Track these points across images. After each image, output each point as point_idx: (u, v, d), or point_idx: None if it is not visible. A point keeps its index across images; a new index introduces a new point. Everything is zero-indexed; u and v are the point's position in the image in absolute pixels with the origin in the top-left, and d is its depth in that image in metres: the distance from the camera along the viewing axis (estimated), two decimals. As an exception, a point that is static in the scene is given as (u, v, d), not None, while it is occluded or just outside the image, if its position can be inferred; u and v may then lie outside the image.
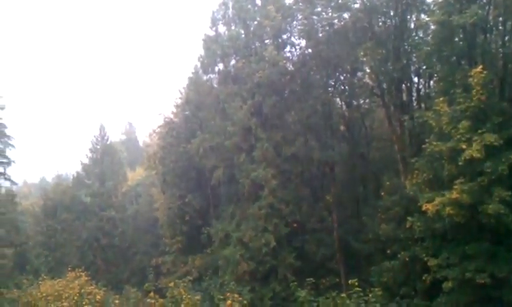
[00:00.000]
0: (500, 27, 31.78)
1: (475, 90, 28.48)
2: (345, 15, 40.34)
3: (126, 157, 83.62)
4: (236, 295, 34.67)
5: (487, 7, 30.89)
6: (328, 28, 41.86)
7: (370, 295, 26.92)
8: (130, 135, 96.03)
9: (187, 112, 51.00)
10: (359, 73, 44.67)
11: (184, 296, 35.13)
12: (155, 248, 53.74)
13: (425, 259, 30.48)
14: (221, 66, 46.87)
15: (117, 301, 37.71)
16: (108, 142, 63.25)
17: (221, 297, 35.03)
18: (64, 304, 37.11)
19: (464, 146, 27.97)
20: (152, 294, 36.97)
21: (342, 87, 45.91)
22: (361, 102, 46.58)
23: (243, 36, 45.06)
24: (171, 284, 36.64)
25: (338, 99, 46.75)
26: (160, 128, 54.44)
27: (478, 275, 27.55)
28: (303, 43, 44.82)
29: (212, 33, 46.59)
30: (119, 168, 64.41)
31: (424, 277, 30.90)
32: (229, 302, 34.01)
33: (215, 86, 47.68)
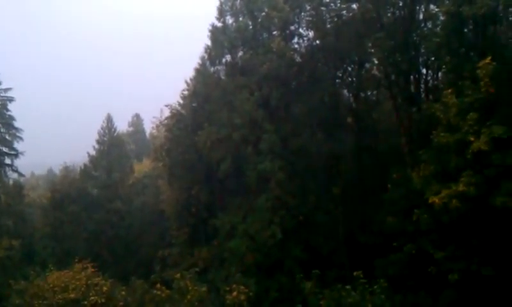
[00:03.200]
0: (510, 18, 31.46)
1: (483, 82, 28.24)
2: (354, 6, 40.11)
3: (133, 149, 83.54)
4: (242, 287, 34.83)
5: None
6: (336, 19, 41.74)
7: (375, 287, 27.00)
8: (137, 127, 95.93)
9: (194, 104, 50.76)
10: (367, 65, 44.44)
11: (190, 288, 35.31)
12: (162, 240, 53.65)
13: (431, 251, 30.31)
14: (228, 57, 46.60)
15: (123, 292, 37.90)
16: (115, 134, 63.12)
17: (227, 288, 35.20)
18: (71, 295, 37.41)
19: (472, 138, 27.80)
20: (158, 285, 37.23)
21: (350, 79, 45.69)
22: (369, 93, 46.37)
23: (251, 27, 44.78)
24: (178, 275, 36.90)
25: (345, 91, 46.58)
26: (168, 120, 54.30)
27: (484, 268, 27.39)
28: (311, 34, 44.64)
29: (219, 24, 46.36)
30: (126, 160, 64.27)
31: (429, 270, 30.73)
32: (235, 293, 34.17)
33: (222, 77, 47.46)
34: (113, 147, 61.78)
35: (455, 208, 28.22)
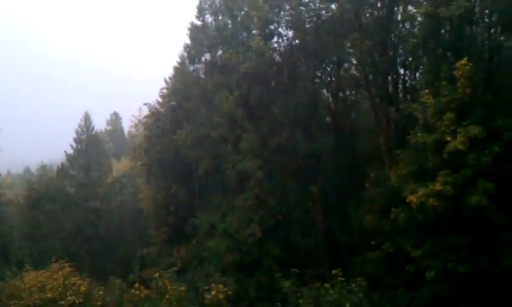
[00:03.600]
0: (487, 20, 31.82)
1: (460, 82, 28.56)
2: (333, 6, 40.28)
3: (111, 148, 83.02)
4: (221, 286, 34.78)
5: (474, 0, 30.87)
6: (315, 19, 41.87)
7: (353, 285, 27.19)
8: (115, 126, 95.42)
9: (173, 103, 50.61)
10: (345, 65, 44.74)
11: (169, 287, 35.12)
12: (140, 239, 53.39)
13: (409, 250, 30.59)
14: (207, 56, 46.60)
15: (101, 292, 37.57)
16: (93, 133, 62.64)
17: (206, 287, 35.10)
18: (48, 295, 36.92)
19: (448, 138, 28.08)
20: (136, 285, 36.96)
21: (329, 79, 45.98)
22: (348, 93, 46.67)
23: (230, 26, 44.80)
24: (156, 275, 36.67)
25: (324, 90, 46.85)
26: (146, 118, 54.06)
27: (460, 266, 27.76)
28: (290, 34, 44.70)
29: (198, 23, 46.31)
30: (104, 159, 63.89)
31: (407, 268, 31.03)
32: (213, 292, 34.10)
33: (201, 76, 47.40)
34: (91, 146, 61.35)
35: (432, 206, 28.52)
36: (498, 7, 30.41)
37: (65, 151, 61.61)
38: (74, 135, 61.36)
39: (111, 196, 61.11)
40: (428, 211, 29.25)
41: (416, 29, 34.95)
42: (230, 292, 34.64)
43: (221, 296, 33.73)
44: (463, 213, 28.35)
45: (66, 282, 38.21)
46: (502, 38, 31.03)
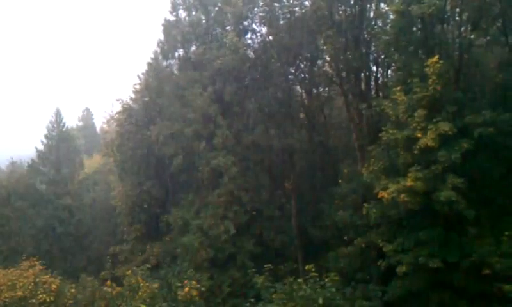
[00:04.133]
0: (457, 18, 32.41)
1: (431, 80, 28.98)
2: (306, 3, 40.50)
3: (83, 144, 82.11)
4: (194, 282, 34.66)
5: (444, -2, 31.33)
6: (289, 15, 41.95)
7: (326, 280, 27.41)
8: (87, 122, 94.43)
9: (146, 99, 50.19)
10: (319, 62, 44.89)
11: (142, 284, 34.84)
12: (113, 236, 52.97)
13: (381, 245, 30.98)
14: (181, 52, 46.38)
15: (73, 290, 37.08)
16: (64, 129, 61.80)
17: (179, 284, 34.95)
18: (19, 293, 36.25)
19: (419, 135, 28.51)
20: (108, 282, 36.58)
21: (302, 76, 46.07)
22: (321, 90, 46.91)
23: (204, 21, 44.64)
24: (129, 272, 36.34)
25: (298, 87, 46.96)
26: (119, 114, 53.52)
27: (431, 260, 28.18)
28: (264, 30, 44.74)
29: (172, 18, 46.01)
30: (75, 155, 63.17)
31: (379, 263, 31.44)
32: (187, 289, 33.96)
33: (175, 72, 47.14)
34: (62, 142, 60.56)
35: (403, 202, 28.91)
36: (469, 6, 30.95)
37: (36, 148, 60.70)
38: (45, 131, 60.50)
39: (82, 193, 60.44)
40: (399, 206, 29.70)
41: (388, 27, 35.26)
42: (203, 289, 34.58)
43: (194, 293, 33.62)
44: (433, 209, 28.80)
45: (37, 280, 37.61)
46: (471, 36, 31.61)
